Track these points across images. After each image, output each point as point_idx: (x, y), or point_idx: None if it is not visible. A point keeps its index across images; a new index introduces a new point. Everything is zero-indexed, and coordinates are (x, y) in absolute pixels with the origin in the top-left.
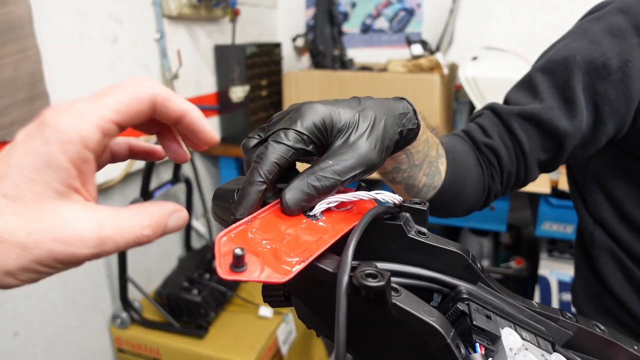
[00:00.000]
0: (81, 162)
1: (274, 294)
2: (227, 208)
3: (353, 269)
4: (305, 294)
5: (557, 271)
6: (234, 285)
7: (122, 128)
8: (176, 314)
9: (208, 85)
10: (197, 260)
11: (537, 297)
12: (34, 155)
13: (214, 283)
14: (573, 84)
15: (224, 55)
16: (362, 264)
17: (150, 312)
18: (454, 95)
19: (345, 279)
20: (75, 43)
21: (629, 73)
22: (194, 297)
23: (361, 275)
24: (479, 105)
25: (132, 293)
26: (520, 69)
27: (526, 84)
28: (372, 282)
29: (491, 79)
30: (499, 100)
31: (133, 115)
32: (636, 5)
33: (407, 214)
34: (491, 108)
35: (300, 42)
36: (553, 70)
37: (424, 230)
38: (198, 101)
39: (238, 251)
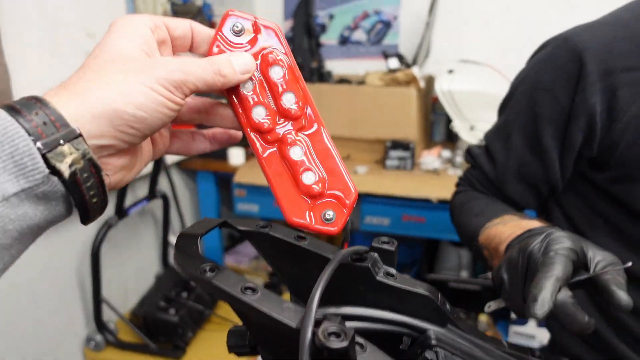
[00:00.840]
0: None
1: (239, 344)
2: (189, 258)
3: (317, 322)
4: (269, 344)
5: None
6: (212, 303)
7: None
8: (153, 334)
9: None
10: (175, 278)
11: None
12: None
13: (191, 302)
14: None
15: None
16: (326, 320)
17: (126, 333)
18: (431, 106)
19: (308, 337)
20: (45, 59)
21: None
22: (171, 317)
23: (324, 335)
24: (455, 118)
25: (107, 314)
26: (495, 82)
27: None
28: (335, 344)
29: (467, 92)
30: (474, 111)
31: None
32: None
33: (376, 255)
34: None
35: None
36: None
37: (392, 271)
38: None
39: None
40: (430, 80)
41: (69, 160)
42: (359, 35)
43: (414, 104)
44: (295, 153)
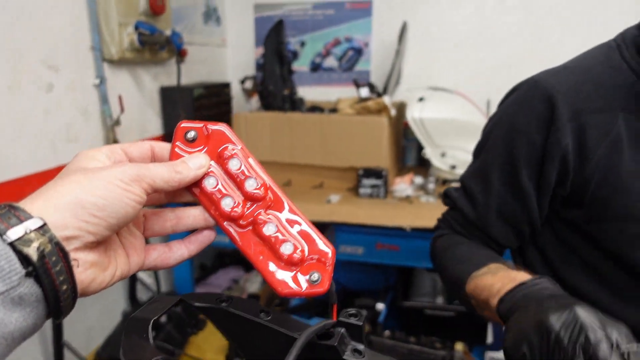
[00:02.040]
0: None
1: None
2: (138, 347)
3: None
4: None
5: None
6: (183, 342)
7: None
8: None
9: (154, 128)
10: None
11: (489, 333)
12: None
13: (159, 341)
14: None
15: (170, 97)
16: None
17: None
18: (403, 132)
19: None
20: (4, 93)
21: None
22: None
23: None
24: (426, 145)
25: (69, 358)
26: (465, 109)
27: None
28: None
29: (437, 119)
30: (445, 139)
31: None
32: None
33: (343, 330)
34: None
35: (248, 84)
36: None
37: (361, 348)
38: None
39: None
40: (401, 107)
41: (36, 244)
42: (331, 62)
43: (385, 132)
44: (270, 229)
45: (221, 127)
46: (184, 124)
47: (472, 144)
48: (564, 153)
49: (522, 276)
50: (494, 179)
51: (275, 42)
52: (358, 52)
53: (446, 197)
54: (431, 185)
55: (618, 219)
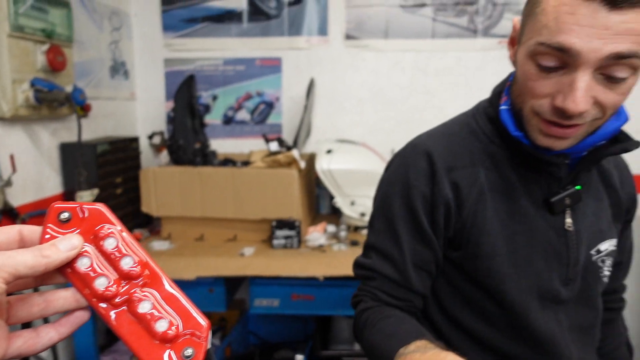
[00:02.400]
0: None
1: None
2: None
3: None
4: None
5: None
6: None
7: None
8: None
9: (52, 186)
10: None
11: None
12: None
13: None
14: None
15: (71, 154)
16: None
17: None
18: (315, 182)
19: None
20: None
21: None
22: None
23: None
24: (336, 195)
25: None
26: (369, 160)
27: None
28: None
29: (345, 170)
30: (354, 188)
31: None
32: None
33: None
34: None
35: (156, 139)
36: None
37: None
38: (38, 205)
39: None
40: (312, 158)
41: None
42: (243, 115)
43: (296, 184)
44: (145, 307)
45: (98, 206)
46: (57, 205)
47: None
48: (446, 201)
49: (451, 357)
50: (402, 233)
51: (186, 95)
52: (270, 105)
53: (360, 268)
54: (343, 233)
55: (486, 256)
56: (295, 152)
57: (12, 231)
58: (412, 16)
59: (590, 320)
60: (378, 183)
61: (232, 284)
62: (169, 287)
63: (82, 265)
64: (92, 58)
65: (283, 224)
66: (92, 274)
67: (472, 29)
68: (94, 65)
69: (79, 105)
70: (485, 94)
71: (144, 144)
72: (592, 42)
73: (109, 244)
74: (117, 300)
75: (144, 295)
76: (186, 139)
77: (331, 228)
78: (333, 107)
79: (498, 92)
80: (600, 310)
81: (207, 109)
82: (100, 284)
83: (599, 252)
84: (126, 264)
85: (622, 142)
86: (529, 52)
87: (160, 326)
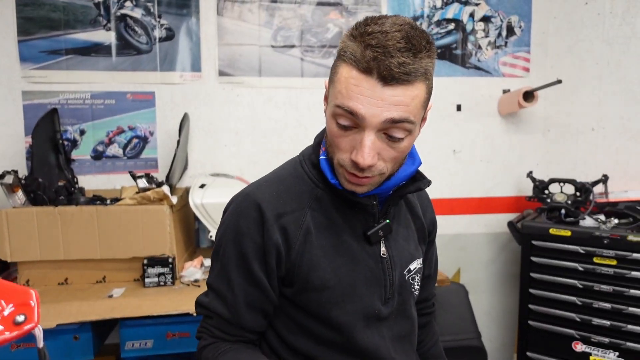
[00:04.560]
0: None
1: None
2: None
3: None
4: None
5: None
6: None
7: None
8: None
9: None
10: None
11: None
12: None
13: None
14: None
15: None
16: None
17: None
18: (194, 215)
19: None
20: None
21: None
22: None
23: None
24: (211, 228)
25: None
26: None
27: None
28: None
29: (218, 204)
30: None
31: None
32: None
33: None
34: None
35: (8, 178)
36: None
37: None
38: None
39: None
40: (188, 192)
41: None
42: (115, 149)
43: (168, 220)
44: None
45: None
46: None
47: None
48: (276, 245)
49: None
50: (234, 276)
51: (49, 130)
52: (144, 140)
53: (199, 306)
54: None
55: (316, 289)
56: (165, 188)
57: None
58: (282, 56)
59: (407, 329)
60: (219, 224)
61: (102, 328)
62: None
63: None
64: None
65: (155, 261)
66: None
67: None
68: None
69: None
70: None
71: None
72: (372, 109)
73: None
74: None
75: None
76: (48, 176)
77: (208, 262)
78: (210, 141)
79: (318, 141)
80: (415, 319)
81: (74, 144)
82: None
83: (409, 271)
84: None
85: (418, 181)
86: (331, 112)
87: None
